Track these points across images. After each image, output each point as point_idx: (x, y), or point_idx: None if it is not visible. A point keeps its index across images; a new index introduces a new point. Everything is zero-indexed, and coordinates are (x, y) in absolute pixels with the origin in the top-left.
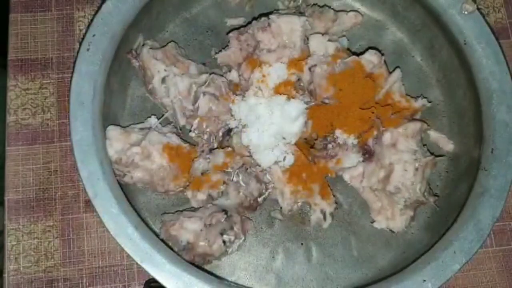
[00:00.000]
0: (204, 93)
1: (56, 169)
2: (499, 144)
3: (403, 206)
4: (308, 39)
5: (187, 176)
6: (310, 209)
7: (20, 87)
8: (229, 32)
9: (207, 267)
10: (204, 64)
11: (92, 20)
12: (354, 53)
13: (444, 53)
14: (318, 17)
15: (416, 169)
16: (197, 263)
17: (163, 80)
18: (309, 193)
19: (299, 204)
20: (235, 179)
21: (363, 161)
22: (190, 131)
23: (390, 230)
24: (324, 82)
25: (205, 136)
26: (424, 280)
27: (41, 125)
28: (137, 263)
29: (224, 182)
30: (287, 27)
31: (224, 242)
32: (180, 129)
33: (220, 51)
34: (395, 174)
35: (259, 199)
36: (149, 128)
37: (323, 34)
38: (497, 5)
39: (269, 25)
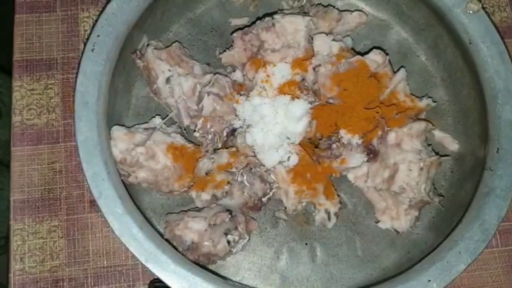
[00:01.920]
0: (209, 93)
1: (61, 169)
2: (504, 143)
3: (408, 206)
4: (312, 39)
5: (191, 176)
6: (314, 209)
7: (25, 87)
8: (233, 32)
9: (211, 267)
10: (208, 64)
11: (96, 20)
12: (359, 53)
13: (449, 53)
14: (322, 16)
15: (421, 169)
16: (202, 263)
17: (168, 80)
18: (313, 193)
19: (304, 204)
20: (239, 179)
21: (367, 161)
22: (195, 131)
23: (395, 230)
24: (329, 82)
25: (210, 136)
26: (429, 281)
27: (46, 125)
28: (141, 263)
29: (228, 182)
30: (291, 27)
31: (228, 242)
32: (185, 129)
33: (224, 51)
34: (399, 174)
35: (264, 199)
36: (154, 128)
37: (327, 34)
38: (502, 4)
39: (273, 25)
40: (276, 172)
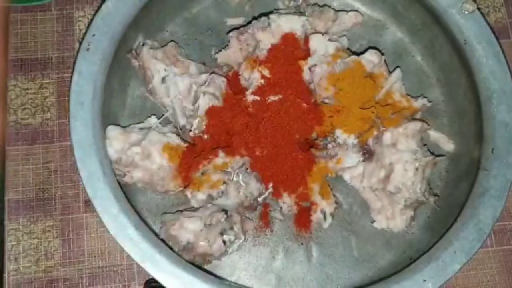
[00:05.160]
0: (204, 93)
1: (56, 169)
2: (499, 144)
3: (403, 206)
4: (308, 38)
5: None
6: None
7: (20, 87)
8: (229, 31)
9: (207, 267)
10: (204, 63)
11: (92, 19)
12: (354, 53)
13: (444, 53)
14: (318, 16)
15: (416, 169)
16: (197, 263)
17: (163, 80)
18: (309, 193)
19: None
20: (235, 179)
21: (363, 161)
22: (190, 130)
23: (390, 230)
24: (324, 82)
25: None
26: (424, 280)
27: (41, 125)
28: (137, 263)
29: (224, 182)
30: (287, 27)
31: (224, 242)
32: (180, 129)
33: (220, 50)
34: (395, 174)
35: (259, 199)
36: (149, 128)
37: (323, 34)
38: (497, 4)
39: (269, 24)
40: None
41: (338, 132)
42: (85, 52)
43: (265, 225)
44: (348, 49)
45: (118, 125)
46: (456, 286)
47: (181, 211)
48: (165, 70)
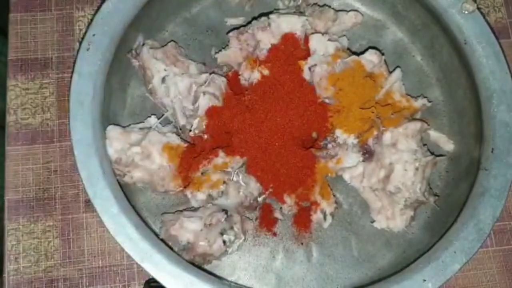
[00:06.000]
0: (204, 93)
1: (56, 169)
2: (499, 143)
3: (403, 206)
4: (308, 38)
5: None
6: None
7: (20, 87)
8: (229, 31)
9: (207, 267)
10: (204, 63)
11: (92, 19)
12: (354, 53)
13: (444, 53)
14: (318, 16)
15: (417, 168)
16: (197, 263)
17: (163, 79)
18: (309, 193)
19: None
20: (235, 178)
21: (363, 160)
22: (190, 130)
23: (390, 230)
24: (324, 82)
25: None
26: (424, 280)
27: (41, 125)
28: (137, 263)
29: (224, 182)
30: (287, 27)
31: (224, 242)
32: (180, 129)
33: (220, 50)
34: (395, 174)
35: (259, 199)
36: (149, 128)
37: (323, 34)
38: (497, 4)
39: (269, 24)
40: None
41: (338, 132)
42: (85, 52)
43: (268, 226)
44: (348, 49)
45: (118, 125)
46: (456, 286)
47: (181, 211)
48: (165, 70)
